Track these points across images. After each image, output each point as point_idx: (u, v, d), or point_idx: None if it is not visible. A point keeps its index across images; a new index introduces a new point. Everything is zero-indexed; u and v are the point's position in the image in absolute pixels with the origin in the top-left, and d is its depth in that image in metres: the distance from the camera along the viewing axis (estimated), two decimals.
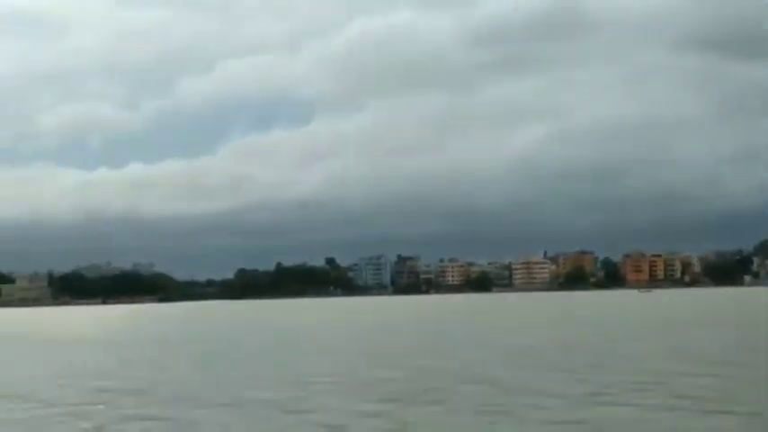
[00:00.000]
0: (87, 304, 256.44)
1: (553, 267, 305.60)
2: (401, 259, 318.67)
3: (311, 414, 18.74)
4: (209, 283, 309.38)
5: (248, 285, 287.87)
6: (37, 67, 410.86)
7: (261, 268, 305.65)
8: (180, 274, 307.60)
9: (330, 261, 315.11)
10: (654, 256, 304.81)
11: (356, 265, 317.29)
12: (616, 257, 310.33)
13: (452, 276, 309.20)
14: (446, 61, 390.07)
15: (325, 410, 19.13)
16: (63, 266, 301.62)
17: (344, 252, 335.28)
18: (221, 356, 37.10)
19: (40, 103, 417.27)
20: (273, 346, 43.72)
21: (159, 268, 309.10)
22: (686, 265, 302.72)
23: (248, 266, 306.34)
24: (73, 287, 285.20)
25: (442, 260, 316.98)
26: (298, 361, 32.89)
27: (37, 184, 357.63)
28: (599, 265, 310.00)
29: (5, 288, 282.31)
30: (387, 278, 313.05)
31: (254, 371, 29.10)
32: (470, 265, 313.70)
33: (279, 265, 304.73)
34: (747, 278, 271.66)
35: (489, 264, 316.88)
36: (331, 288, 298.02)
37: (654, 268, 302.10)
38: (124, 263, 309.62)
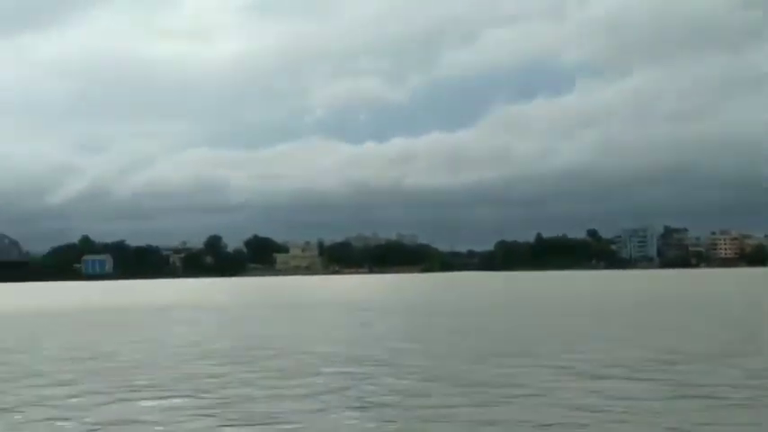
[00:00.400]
0: (355, 273, 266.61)
1: None
2: (668, 231, 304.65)
3: None
4: (471, 254, 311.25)
5: (508, 257, 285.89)
6: (310, 44, 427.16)
7: (520, 239, 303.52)
8: (441, 244, 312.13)
9: (592, 233, 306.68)
10: None
11: (619, 237, 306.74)
12: None
13: (725, 249, 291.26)
14: (721, 21, 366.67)
15: None
16: (333, 236, 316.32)
17: (606, 223, 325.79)
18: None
19: (313, 80, 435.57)
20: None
21: (422, 239, 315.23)
22: None
23: (508, 238, 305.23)
24: (342, 257, 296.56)
25: (713, 232, 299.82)
26: None
27: (309, 158, 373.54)
28: None
29: (280, 257, 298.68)
30: (653, 251, 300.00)
31: None
32: (745, 237, 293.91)
33: (539, 236, 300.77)
34: None
35: (766, 236, 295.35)
36: (593, 261, 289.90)
37: None
38: (389, 234, 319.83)
